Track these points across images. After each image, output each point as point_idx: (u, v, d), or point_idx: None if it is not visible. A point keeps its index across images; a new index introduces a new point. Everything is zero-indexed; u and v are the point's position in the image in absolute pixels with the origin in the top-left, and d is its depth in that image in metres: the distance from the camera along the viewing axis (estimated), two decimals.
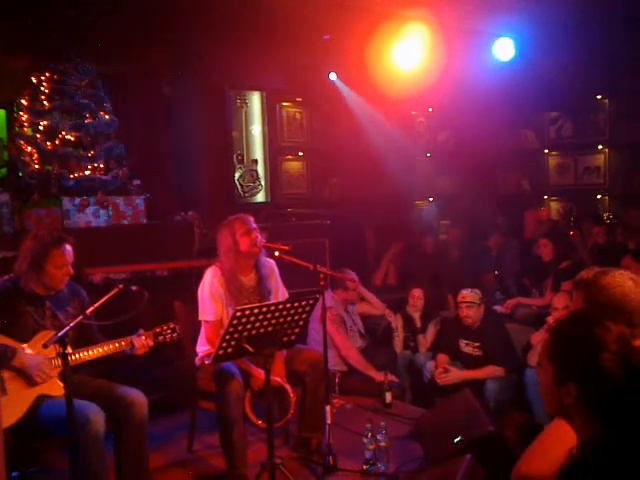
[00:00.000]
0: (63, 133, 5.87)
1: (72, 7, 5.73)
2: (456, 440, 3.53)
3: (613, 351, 1.59)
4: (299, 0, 5.81)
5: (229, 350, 3.21)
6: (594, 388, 1.62)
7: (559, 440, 1.72)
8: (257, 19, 6.19)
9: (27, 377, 3.08)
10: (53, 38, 5.93)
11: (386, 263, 7.37)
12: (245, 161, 7.83)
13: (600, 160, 8.94)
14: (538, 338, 4.67)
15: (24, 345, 3.17)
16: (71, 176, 5.81)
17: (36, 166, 5.79)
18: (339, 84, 8.13)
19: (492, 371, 4.73)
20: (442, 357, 5.01)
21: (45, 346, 2.91)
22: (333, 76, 8.16)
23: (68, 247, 3.33)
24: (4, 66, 6.02)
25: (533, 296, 6.49)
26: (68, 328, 2.77)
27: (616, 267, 2.58)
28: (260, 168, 7.96)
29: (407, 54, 7.46)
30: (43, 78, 5.97)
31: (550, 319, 4.58)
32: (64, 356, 2.72)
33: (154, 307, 4.15)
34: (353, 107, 8.09)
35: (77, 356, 3.20)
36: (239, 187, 7.79)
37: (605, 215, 8.56)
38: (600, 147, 8.87)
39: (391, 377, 4.99)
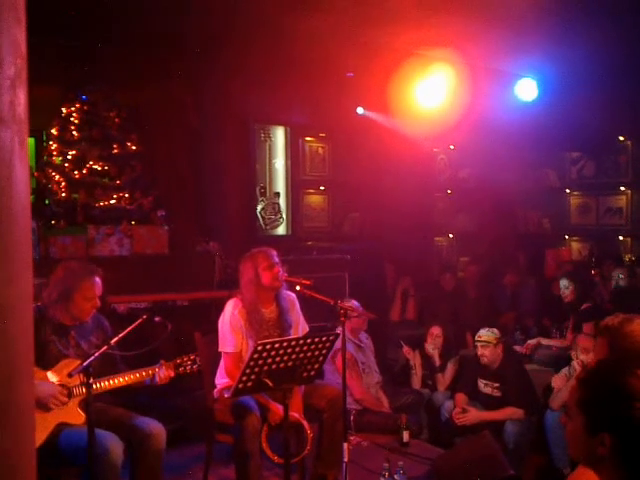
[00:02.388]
0: (91, 162, 5.99)
1: (101, 39, 5.89)
2: None
3: None
4: (324, 38, 5.92)
5: (249, 384, 3.21)
6: (629, 438, 1.60)
7: None
8: (282, 56, 6.31)
9: (41, 405, 3.07)
10: (82, 69, 6.09)
11: (399, 298, 7.33)
12: (267, 194, 7.91)
13: (622, 201, 8.89)
14: (559, 381, 4.62)
15: (47, 372, 3.20)
16: (97, 205, 5.91)
17: (63, 194, 5.90)
18: (369, 115, 8.19)
19: (511, 413, 4.66)
20: (460, 397, 4.96)
21: (70, 375, 2.93)
22: (360, 110, 8.24)
23: (98, 279, 3.38)
24: (35, 96, 6.15)
25: (553, 337, 6.40)
26: (93, 358, 2.80)
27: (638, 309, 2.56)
28: (282, 201, 8.03)
29: (430, 92, 7.53)
30: (73, 109, 6.12)
31: (576, 363, 4.50)
32: (88, 386, 2.75)
33: (174, 337, 4.17)
34: (377, 141, 8.13)
35: (99, 385, 3.22)
36: (261, 219, 7.85)
37: (627, 257, 8.48)
38: (622, 188, 8.84)
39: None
